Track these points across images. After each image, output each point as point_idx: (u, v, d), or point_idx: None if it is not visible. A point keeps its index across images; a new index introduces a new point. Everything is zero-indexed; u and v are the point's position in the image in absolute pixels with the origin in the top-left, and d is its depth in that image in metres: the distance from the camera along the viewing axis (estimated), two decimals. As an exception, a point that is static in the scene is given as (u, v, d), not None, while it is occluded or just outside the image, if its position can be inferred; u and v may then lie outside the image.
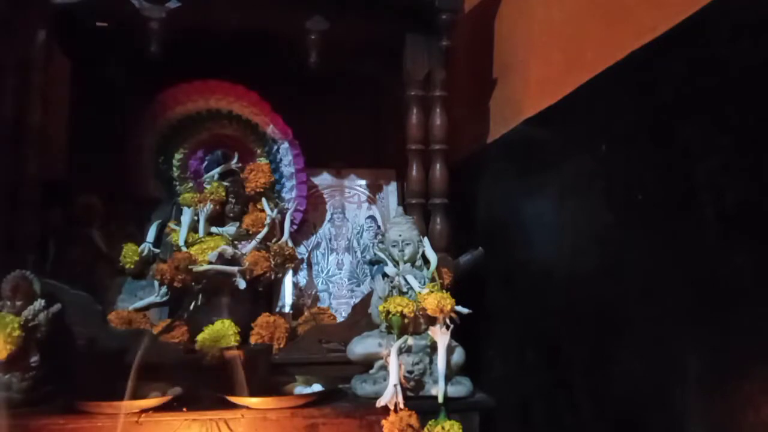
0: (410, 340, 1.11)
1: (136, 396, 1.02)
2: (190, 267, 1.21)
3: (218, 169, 1.38)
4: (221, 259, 1.25)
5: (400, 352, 1.08)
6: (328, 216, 1.50)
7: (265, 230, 1.34)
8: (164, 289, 1.29)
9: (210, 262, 1.23)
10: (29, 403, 1.02)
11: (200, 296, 1.25)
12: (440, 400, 1.05)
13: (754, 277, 0.60)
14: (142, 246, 1.33)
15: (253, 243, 1.33)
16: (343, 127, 1.54)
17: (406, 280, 1.16)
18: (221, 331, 1.17)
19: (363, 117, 1.61)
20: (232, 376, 1.07)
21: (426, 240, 1.22)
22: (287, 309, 1.36)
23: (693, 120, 0.70)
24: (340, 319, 1.36)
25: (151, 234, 1.35)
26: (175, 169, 1.41)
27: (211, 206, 1.33)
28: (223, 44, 1.38)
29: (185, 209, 1.34)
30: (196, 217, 1.32)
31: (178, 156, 1.41)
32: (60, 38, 1.26)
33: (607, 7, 0.91)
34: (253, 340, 1.22)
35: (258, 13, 1.24)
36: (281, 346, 1.22)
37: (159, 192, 1.42)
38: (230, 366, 1.09)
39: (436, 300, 1.08)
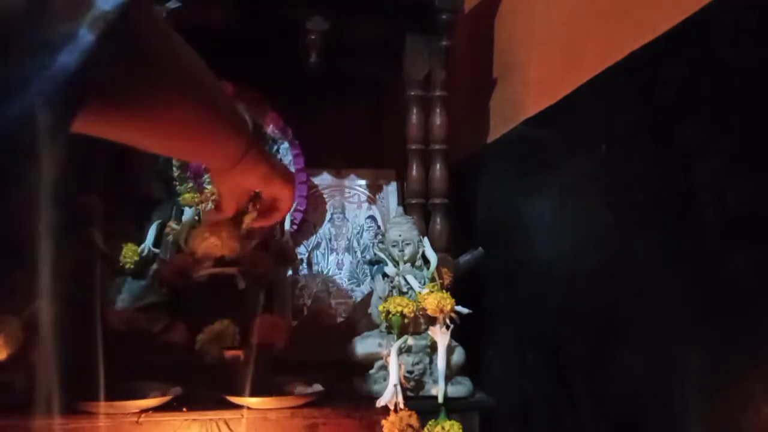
0: (410, 340, 1.11)
1: (135, 396, 1.02)
2: (188, 271, 1.21)
3: (218, 169, 1.38)
4: (221, 259, 1.25)
5: (400, 352, 1.08)
6: (328, 216, 1.50)
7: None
8: (164, 289, 1.29)
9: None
10: (29, 403, 1.01)
11: (200, 296, 1.25)
12: (440, 400, 1.06)
13: (755, 277, 0.60)
14: (142, 246, 1.33)
15: (253, 243, 1.33)
16: (343, 127, 1.54)
17: (406, 280, 1.16)
18: (221, 331, 1.17)
19: (363, 117, 1.61)
20: (232, 376, 1.07)
21: (426, 240, 1.22)
22: (287, 309, 1.36)
23: (693, 120, 0.70)
24: (340, 319, 1.36)
25: (151, 234, 1.35)
26: (175, 169, 1.41)
27: (213, 206, 1.33)
28: (223, 44, 1.37)
29: (186, 209, 1.34)
30: (197, 217, 1.32)
31: (178, 156, 1.40)
32: (60, 38, 1.26)
33: (607, 7, 0.91)
34: (253, 340, 1.22)
35: (258, 13, 1.24)
36: (281, 346, 1.22)
37: (159, 192, 1.42)
38: (230, 366, 1.10)
39: (436, 300, 1.08)
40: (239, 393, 1.04)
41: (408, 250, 1.18)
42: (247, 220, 1.35)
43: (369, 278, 1.44)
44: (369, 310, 1.20)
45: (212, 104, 0.64)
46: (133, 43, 0.46)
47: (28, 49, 0.37)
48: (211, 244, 1.13)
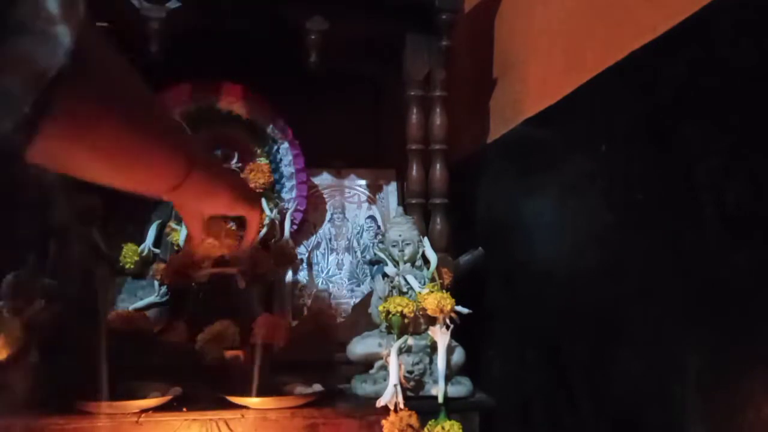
0: (410, 340, 1.11)
1: (135, 396, 1.02)
2: (188, 272, 1.21)
3: (218, 169, 1.38)
4: (221, 259, 1.25)
5: (400, 352, 1.08)
6: (328, 216, 1.50)
7: (263, 230, 1.34)
8: (164, 289, 1.29)
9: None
10: (29, 403, 1.02)
11: (200, 296, 1.25)
12: (440, 400, 1.05)
13: (755, 277, 0.60)
14: (142, 246, 1.33)
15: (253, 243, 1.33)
16: (343, 127, 1.54)
17: (406, 280, 1.16)
18: (221, 331, 1.17)
19: (363, 117, 1.61)
20: (232, 376, 1.07)
21: (426, 240, 1.22)
22: (287, 309, 1.36)
23: (693, 120, 0.70)
24: (340, 319, 1.36)
25: (151, 234, 1.35)
26: (175, 169, 1.41)
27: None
28: (223, 44, 1.37)
29: (186, 209, 1.34)
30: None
31: (178, 156, 1.40)
32: (60, 38, 1.26)
33: (607, 7, 0.91)
34: (253, 340, 1.22)
35: (258, 13, 1.24)
36: (281, 346, 1.22)
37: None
38: (230, 366, 1.09)
39: (436, 300, 1.08)
40: (239, 393, 1.04)
41: (408, 250, 1.18)
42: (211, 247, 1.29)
43: (369, 278, 1.44)
44: (369, 310, 1.20)
45: (141, 118, 0.58)
46: (84, 68, 0.44)
47: None
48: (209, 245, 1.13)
